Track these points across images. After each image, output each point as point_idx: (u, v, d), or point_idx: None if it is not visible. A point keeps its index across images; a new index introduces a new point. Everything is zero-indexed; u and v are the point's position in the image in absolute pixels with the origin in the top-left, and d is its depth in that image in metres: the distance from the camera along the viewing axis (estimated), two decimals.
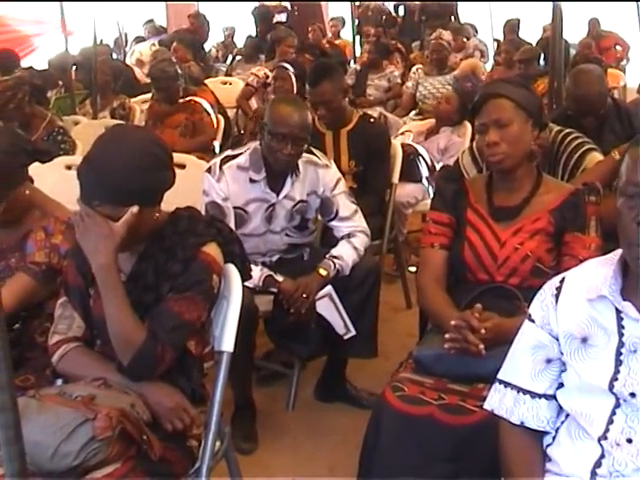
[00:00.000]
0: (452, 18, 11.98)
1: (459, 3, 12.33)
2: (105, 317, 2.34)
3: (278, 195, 3.63)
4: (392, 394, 2.54)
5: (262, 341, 3.80)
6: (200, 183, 3.66)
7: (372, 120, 4.72)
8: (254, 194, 3.61)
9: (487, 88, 2.96)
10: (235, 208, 3.57)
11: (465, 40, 10.99)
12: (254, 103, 7.71)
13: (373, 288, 3.65)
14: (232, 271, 2.51)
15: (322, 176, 3.67)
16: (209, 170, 3.58)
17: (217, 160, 3.61)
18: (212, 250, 2.40)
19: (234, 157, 3.62)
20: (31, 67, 7.57)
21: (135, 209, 2.27)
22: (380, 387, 3.89)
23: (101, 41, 11.09)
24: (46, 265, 2.79)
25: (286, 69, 5.89)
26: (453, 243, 2.94)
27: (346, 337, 3.56)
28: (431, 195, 5.29)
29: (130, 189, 2.26)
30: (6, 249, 2.89)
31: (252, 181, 3.60)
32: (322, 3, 14.02)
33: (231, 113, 7.65)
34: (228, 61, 11.98)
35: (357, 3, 12.34)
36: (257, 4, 12.49)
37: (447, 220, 2.96)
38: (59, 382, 2.65)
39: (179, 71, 6.21)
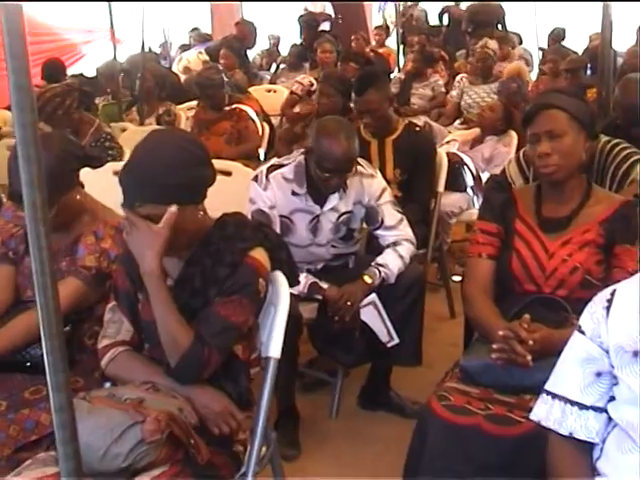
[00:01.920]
0: (499, 27, 11.90)
1: (506, 12, 12.22)
2: (153, 321, 2.36)
3: (322, 207, 3.64)
4: (438, 403, 2.53)
5: (305, 348, 3.81)
6: (246, 190, 3.68)
7: (418, 129, 4.71)
8: (298, 205, 3.64)
9: (540, 98, 2.94)
10: (281, 217, 3.60)
11: (510, 49, 10.92)
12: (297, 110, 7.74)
13: (418, 297, 3.65)
14: (280, 277, 2.52)
15: (367, 186, 3.68)
16: (255, 178, 3.61)
17: (263, 168, 3.64)
18: (259, 255, 2.42)
19: (280, 166, 3.65)
20: (81, 74, 7.66)
21: (174, 208, 2.28)
22: (424, 396, 3.88)
23: (149, 49, 11.22)
24: (96, 269, 2.83)
25: (330, 85, 5.84)
26: (500, 253, 2.93)
27: (389, 345, 3.56)
28: (476, 205, 5.33)
29: (168, 186, 2.27)
30: (57, 253, 2.93)
31: (294, 194, 3.62)
32: (367, 11, 14.04)
33: (275, 121, 7.69)
34: (272, 69, 12.04)
35: (401, 9, 12.29)
36: (303, 12, 12.58)
37: (495, 230, 2.95)
38: (107, 385, 2.69)
39: (225, 79, 6.25)
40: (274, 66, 12.11)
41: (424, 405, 2.61)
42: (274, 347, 2.48)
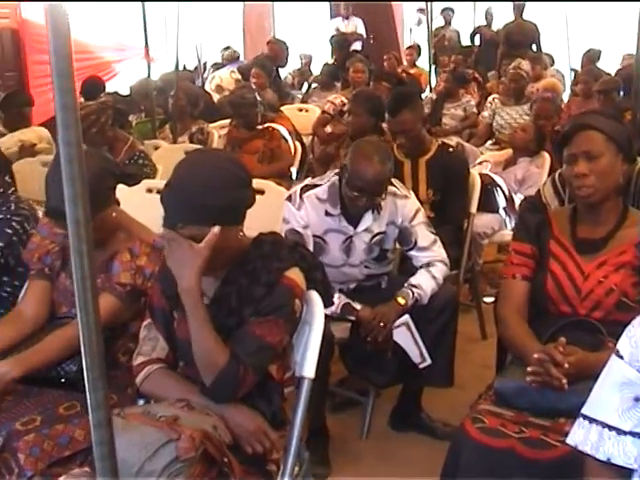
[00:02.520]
0: (534, 47, 11.90)
1: (541, 32, 12.23)
2: (188, 340, 2.37)
3: (356, 228, 3.65)
4: (472, 425, 2.51)
5: (336, 368, 3.80)
6: (278, 209, 3.70)
7: (451, 149, 4.71)
8: (331, 225, 3.65)
9: (578, 119, 2.93)
10: (314, 236, 3.61)
11: (542, 70, 10.91)
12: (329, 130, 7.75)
13: (451, 318, 3.64)
14: (314, 297, 2.53)
15: (401, 207, 3.68)
16: (289, 198, 3.63)
17: (297, 188, 3.66)
18: (295, 275, 2.42)
19: (314, 187, 3.66)
20: (115, 92, 7.73)
21: (217, 229, 2.29)
22: (455, 418, 3.90)
23: (184, 67, 11.30)
24: (131, 286, 2.84)
25: (359, 105, 5.84)
26: (535, 274, 2.92)
27: (422, 366, 3.55)
28: (508, 226, 5.32)
29: (211, 207, 2.29)
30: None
31: (328, 214, 3.63)
32: (399, 31, 14.10)
33: (306, 140, 7.70)
34: (304, 88, 12.09)
35: (433, 29, 12.32)
36: (335, 32, 12.63)
37: (530, 251, 2.94)
38: (141, 402, 2.70)
39: (258, 98, 6.28)
40: (305, 85, 12.19)
41: (458, 427, 2.59)
42: (308, 367, 2.48)
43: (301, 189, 3.64)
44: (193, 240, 2.29)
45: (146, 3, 6.94)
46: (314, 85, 10.40)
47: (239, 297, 2.39)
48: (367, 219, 3.63)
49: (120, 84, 10.52)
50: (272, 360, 2.41)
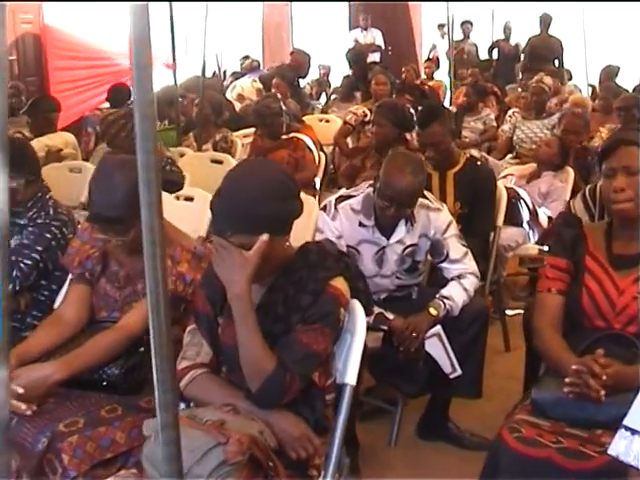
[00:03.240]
0: (556, 63, 11.95)
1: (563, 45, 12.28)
2: (233, 345, 2.42)
3: (389, 239, 3.69)
4: (510, 435, 2.54)
5: (363, 377, 3.83)
6: (305, 217, 3.73)
7: (479, 163, 4.76)
8: (364, 236, 3.69)
9: (620, 134, 2.97)
10: (348, 247, 3.65)
11: (560, 85, 10.95)
12: (350, 141, 7.79)
13: (481, 330, 3.68)
14: (357, 306, 2.57)
15: (434, 219, 3.72)
16: (324, 208, 3.68)
17: (332, 199, 3.71)
18: (340, 284, 2.47)
19: (348, 198, 3.71)
20: None
21: (266, 237, 2.34)
22: (481, 428, 3.95)
23: (214, 73, 11.37)
24: (172, 292, 2.87)
25: (383, 115, 5.87)
26: (570, 289, 2.96)
27: (452, 377, 3.58)
28: (532, 239, 5.35)
29: (261, 217, 2.34)
30: (133, 276, 3.00)
31: (361, 225, 3.68)
32: (417, 43, 14.15)
33: (327, 150, 7.73)
34: (322, 99, 12.15)
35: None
36: (353, 43, 12.70)
37: (565, 266, 2.97)
38: (182, 406, 2.73)
39: (283, 107, 6.33)
40: (324, 95, 12.26)
41: (487, 437, 2.62)
42: (350, 374, 2.53)
43: (336, 200, 3.69)
44: (242, 248, 2.34)
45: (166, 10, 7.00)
46: (334, 96, 10.46)
47: (286, 305, 2.43)
48: (400, 231, 3.67)
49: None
50: (316, 367, 2.45)
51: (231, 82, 11.37)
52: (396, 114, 5.65)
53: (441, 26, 15.04)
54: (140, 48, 1.42)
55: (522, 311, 5.47)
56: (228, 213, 2.35)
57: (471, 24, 14.21)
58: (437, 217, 3.73)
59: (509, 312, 5.32)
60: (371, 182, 3.74)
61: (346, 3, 14.46)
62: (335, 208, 3.65)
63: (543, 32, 12.14)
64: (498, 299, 5.18)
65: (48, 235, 3.38)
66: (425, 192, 3.73)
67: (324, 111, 9.91)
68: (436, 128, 4.50)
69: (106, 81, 10.91)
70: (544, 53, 11.71)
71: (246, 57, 13.07)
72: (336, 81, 13.00)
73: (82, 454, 2.60)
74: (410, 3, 14.10)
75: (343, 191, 3.80)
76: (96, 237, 3.06)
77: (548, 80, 8.23)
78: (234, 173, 2.45)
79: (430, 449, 3.88)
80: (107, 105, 8.95)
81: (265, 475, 2.26)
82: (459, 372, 3.57)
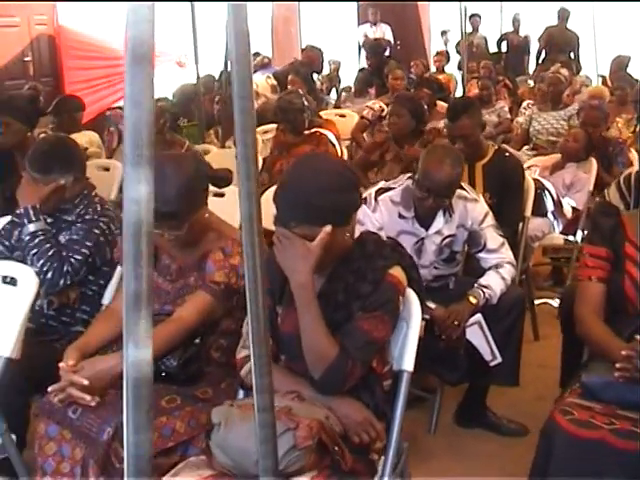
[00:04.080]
0: (571, 55, 12.03)
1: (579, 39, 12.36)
2: (293, 334, 2.48)
3: (427, 230, 3.76)
4: (562, 417, 2.60)
5: None
6: None
7: (507, 154, 4.81)
8: (404, 227, 3.76)
9: None
10: (387, 238, 3.70)
11: (572, 75, 10.99)
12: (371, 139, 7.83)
13: (518, 318, 3.76)
14: (411, 294, 2.64)
15: (471, 210, 3.79)
16: (365, 200, 3.73)
17: (372, 191, 3.77)
18: (397, 273, 2.54)
19: (387, 190, 3.78)
20: (166, 97, 7.85)
21: (329, 228, 2.41)
22: (515, 415, 4.01)
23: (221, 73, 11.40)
24: (225, 284, 2.93)
25: (402, 106, 5.94)
26: (611, 276, 3.02)
27: (492, 364, 3.65)
28: (556, 230, 5.41)
29: (325, 209, 2.41)
30: (185, 268, 3.06)
31: (401, 216, 3.75)
32: (426, 37, 14.20)
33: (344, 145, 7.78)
34: (332, 94, 12.20)
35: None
36: (363, 38, 12.75)
37: (604, 254, 3.03)
38: (241, 394, 2.81)
39: (305, 103, 6.38)
40: (334, 91, 12.31)
41: (548, 419, 2.68)
42: (407, 361, 2.59)
43: (376, 192, 3.76)
44: (305, 239, 2.41)
45: (184, 9, 7.05)
46: (345, 93, 10.51)
47: (346, 293, 2.50)
48: (438, 222, 3.74)
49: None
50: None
51: None
52: (414, 105, 5.73)
53: (444, 32, 15.11)
54: (239, 44, 1.49)
55: (547, 300, 5.60)
56: (292, 205, 2.42)
57: (479, 17, 14.27)
58: (474, 208, 3.80)
59: (536, 302, 5.39)
60: (410, 174, 3.81)
61: None
62: (375, 200, 3.73)
63: (560, 24, 12.20)
64: (527, 288, 5.24)
65: (96, 231, 3.45)
66: (462, 184, 3.80)
67: (337, 106, 9.96)
68: (465, 121, 4.57)
69: (120, 80, 10.97)
70: (561, 44, 11.77)
71: (256, 54, 13.09)
72: (346, 76, 13.07)
73: None
74: None
75: (382, 183, 3.87)
76: None
77: (564, 71, 8.30)
78: (297, 166, 2.52)
79: (469, 436, 3.95)
80: (120, 104, 9.02)
81: (332, 459, 2.33)
82: (499, 359, 3.64)
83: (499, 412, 4.05)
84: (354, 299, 2.49)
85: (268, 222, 4.10)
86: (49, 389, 2.77)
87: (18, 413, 3.11)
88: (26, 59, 10.69)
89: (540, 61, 12.00)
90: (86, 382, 2.69)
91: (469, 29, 14.01)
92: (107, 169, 5.60)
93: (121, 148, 6.82)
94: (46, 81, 10.78)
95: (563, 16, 12.17)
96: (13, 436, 2.95)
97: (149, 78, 1.13)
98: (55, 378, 2.81)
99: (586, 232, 5.34)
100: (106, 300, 3.47)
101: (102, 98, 10.83)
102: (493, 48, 14.24)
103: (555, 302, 5.64)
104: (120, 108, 7.72)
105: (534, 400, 4.21)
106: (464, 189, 3.81)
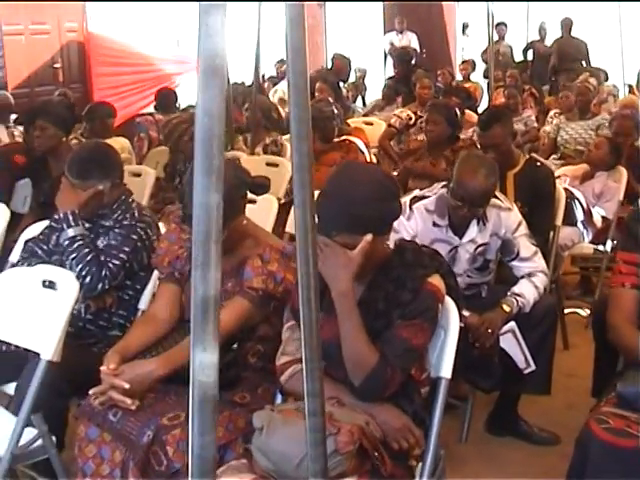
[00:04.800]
0: (583, 63, 12.01)
1: (590, 47, 12.37)
2: (333, 341, 2.51)
3: (461, 239, 3.78)
4: (598, 426, 2.62)
5: None
6: None
7: (539, 164, 4.82)
8: (438, 236, 3.79)
9: None
10: (422, 246, 3.73)
11: (598, 85, 10.97)
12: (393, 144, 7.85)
13: (550, 326, 3.78)
14: (449, 302, 2.66)
15: (504, 218, 3.81)
16: None
17: (407, 199, 3.80)
18: (436, 281, 2.56)
19: (422, 198, 3.81)
20: (193, 105, 7.89)
21: (370, 237, 2.45)
22: (545, 424, 4.02)
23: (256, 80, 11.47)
24: (262, 291, 2.96)
25: (438, 114, 5.95)
26: None
27: (526, 372, 3.66)
28: (586, 239, 5.41)
29: (366, 218, 2.44)
30: (223, 274, 3.07)
31: (435, 225, 3.77)
32: (451, 46, 14.20)
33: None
34: (358, 102, 12.22)
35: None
36: (389, 46, 12.78)
37: (638, 260, 3.05)
38: (279, 399, 2.84)
39: (335, 111, 6.41)
40: (360, 99, 12.34)
41: (583, 428, 2.69)
42: (445, 368, 2.62)
43: (411, 200, 3.78)
44: (346, 247, 2.44)
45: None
46: (374, 99, 10.54)
47: (386, 301, 2.53)
48: (472, 230, 3.76)
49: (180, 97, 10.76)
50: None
51: (268, 87, 11.48)
52: (449, 113, 5.78)
53: (465, 27, 15.12)
54: (295, 53, 1.52)
55: (575, 310, 5.60)
56: (334, 214, 2.45)
57: (505, 26, 14.27)
58: (508, 216, 3.81)
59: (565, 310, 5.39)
60: (444, 183, 3.83)
61: (380, 6, 14.50)
62: (410, 208, 3.75)
63: (565, 35, 12.25)
64: (557, 298, 5.24)
65: (134, 236, 3.48)
66: (496, 192, 3.81)
67: (366, 114, 9.98)
68: (497, 130, 4.57)
69: (148, 86, 11.10)
70: (573, 52, 11.80)
71: (282, 61, 13.16)
72: (371, 84, 13.10)
73: (185, 446, 2.69)
74: (444, 4, 14.14)
75: (417, 192, 3.89)
76: (184, 237, 3.16)
77: (593, 80, 8.28)
78: (338, 175, 2.55)
79: (500, 444, 3.96)
80: (148, 110, 9.11)
81: (372, 464, 2.36)
82: (533, 367, 3.65)
83: (530, 420, 4.06)
84: (394, 307, 2.51)
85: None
86: (90, 392, 2.81)
87: (58, 415, 3.16)
88: (56, 66, 10.82)
89: (555, 72, 12.04)
90: (127, 385, 2.73)
91: (495, 38, 14.04)
92: (138, 175, 5.65)
93: (151, 154, 6.89)
94: (75, 87, 10.90)
95: (567, 26, 12.23)
96: (53, 438, 2.99)
97: (221, 90, 1.16)
98: (93, 381, 2.86)
99: (617, 240, 5.35)
100: (142, 305, 3.52)
101: (130, 104, 10.94)
102: (518, 57, 14.23)
103: (584, 312, 5.65)
104: (150, 114, 7.78)
105: (564, 409, 4.22)
106: (498, 198, 3.82)
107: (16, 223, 4.51)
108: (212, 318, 1.20)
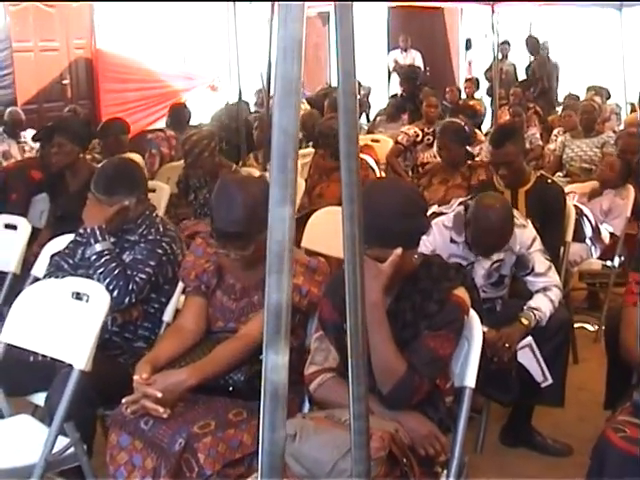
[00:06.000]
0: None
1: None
2: None
3: (477, 255, 3.87)
4: (615, 435, 2.70)
5: None
6: None
7: (549, 181, 4.91)
8: (454, 251, 3.88)
9: None
10: None
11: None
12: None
13: (565, 339, 3.87)
14: (473, 314, 2.75)
15: (519, 235, 3.90)
16: None
17: None
18: (462, 293, 2.66)
19: (440, 214, 3.90)
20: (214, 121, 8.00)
21: (400, 251, 2.54)
22: (557, 435, 4.08)
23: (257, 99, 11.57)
24: None
25: (449, 139, 6.01)
26: None
27: (543, 385, 3.74)
28: (594, 255, 5.49)
29: (396, 232, 2.54)
30: (249, 288, 3.17)
31: (452, 241, 3.87)
32: (454, 64, 14.34)
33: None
34: (362, 119, 12.32)
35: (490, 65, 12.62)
36: (393, 64, 12.91)
37: None
38: (306, 409, 2.92)
39: None
40: (364, 116, 12.44)
41: (600, 437, 2.76)
42: (470, 377, 2.71)
43: (429, 216, 3.87)
44: (376, 260, 2.53)
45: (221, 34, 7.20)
46: (380, 117, 10.64)
47: (414, 312, 2.62)
48: None
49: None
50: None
51: None
52: (460, 135, 5.85)
53: (468, 42, 15.25)
54: (346, 77, 1.61)
55: (583, 324, 5.68)
56: (366, 228, 2.52)
57: (509, 44, 14.38)
58: (522, 233, 3.90)
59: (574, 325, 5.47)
60: (461, 200, 3.92)
61: (385, 23, 14.65)
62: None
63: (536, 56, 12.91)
64: (568, 313, 5.32)
65: (159, 250, 3.57)
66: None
67: (370, 131, 10.08)
68: (509, 148, 4.65)
69: (155, 102, 11.20)
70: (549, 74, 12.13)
71: None
72: (376, 102, 13.21)
73: (215, 454, 2.78)
74: (447, 21, 14.29)
75: (435, 208, 3.99)
76: (210, 252, 3.24)
77: (598, 99, 8.38)
78: (370, 191, 2.64)
79: (515, 456, 4.04)
80: (156, 126, 9.21)
81: (401, 470, 2.44)
82: (550, 381, 3.73)
83: (543, 432, 4.13)
84: (421, 318, 2.60)
85: (314, 244, 4.22)
86: (123, 401, 2.89)
87: (87, 424, 3.22)
88: (64, 82, 10.94)
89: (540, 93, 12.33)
90: (159, 394, 2.81)
91: (498, 56, 14.17)
92: (153, 190, 5.73)
93: (162, 170, 6.98)
94: (83, 103, 11.01)
95: (532, 45, 12.61)
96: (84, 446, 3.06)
97: (296, 111, 1.25)
98: (119, 391, 2.95)
99: (624, 256, 5.44)
100: (166, 317, 3.60)
101: (137, 120, 11.03)
102: (521, 76, 14.33)
103: (592, 327, 5.73)
104: (161, 130, 7.87)
105: (576, 421, 4.29)
106: (513, 215, 3.91)
107: (33, 237, 4.59)
108: (284, 322, 1.29)
